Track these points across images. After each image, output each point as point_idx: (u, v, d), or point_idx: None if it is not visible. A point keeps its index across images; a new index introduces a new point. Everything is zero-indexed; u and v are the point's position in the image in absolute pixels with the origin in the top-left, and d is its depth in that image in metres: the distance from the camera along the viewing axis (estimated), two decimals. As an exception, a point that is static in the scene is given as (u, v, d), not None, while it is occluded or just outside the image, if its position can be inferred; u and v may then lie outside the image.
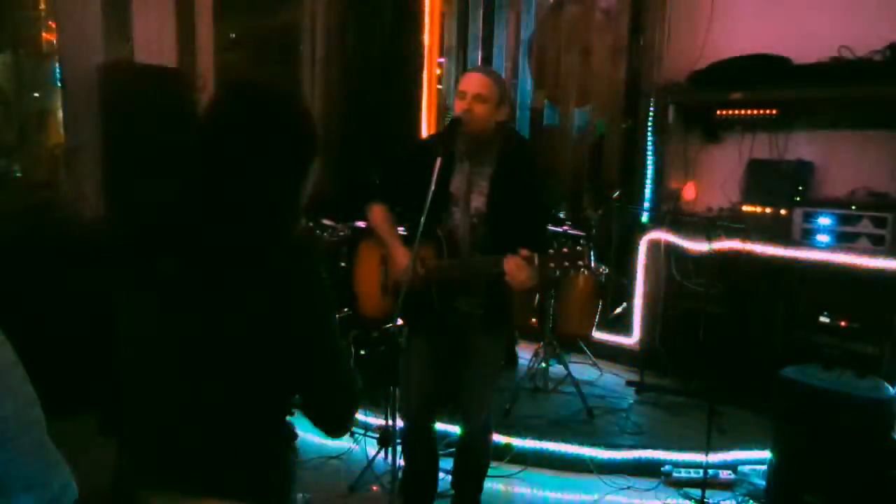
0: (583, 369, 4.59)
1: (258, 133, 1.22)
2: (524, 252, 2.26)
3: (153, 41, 4.39)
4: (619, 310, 5.07)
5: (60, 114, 4.05)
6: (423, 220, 2.28)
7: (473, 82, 2.46)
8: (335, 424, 1.36)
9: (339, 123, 5.62)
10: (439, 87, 6.22)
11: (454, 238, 2.53)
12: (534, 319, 4.89)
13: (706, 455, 3.07)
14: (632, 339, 4.78)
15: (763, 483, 3.18)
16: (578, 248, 2.27)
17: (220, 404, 1.23)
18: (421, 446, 2.79)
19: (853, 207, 3.84)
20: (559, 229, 4.30)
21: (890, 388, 2.82)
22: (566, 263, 2.27)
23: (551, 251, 2.28)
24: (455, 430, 3.14)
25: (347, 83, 5.68)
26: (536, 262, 2.27)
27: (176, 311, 1.24)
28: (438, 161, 2.32)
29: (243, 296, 1.21)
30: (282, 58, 5.52)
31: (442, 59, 6.17)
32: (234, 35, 5.19)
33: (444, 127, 2.52)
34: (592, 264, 2.33)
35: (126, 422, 1.30)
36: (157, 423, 1.27)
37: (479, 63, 5.80)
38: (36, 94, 4.08)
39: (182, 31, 4.59)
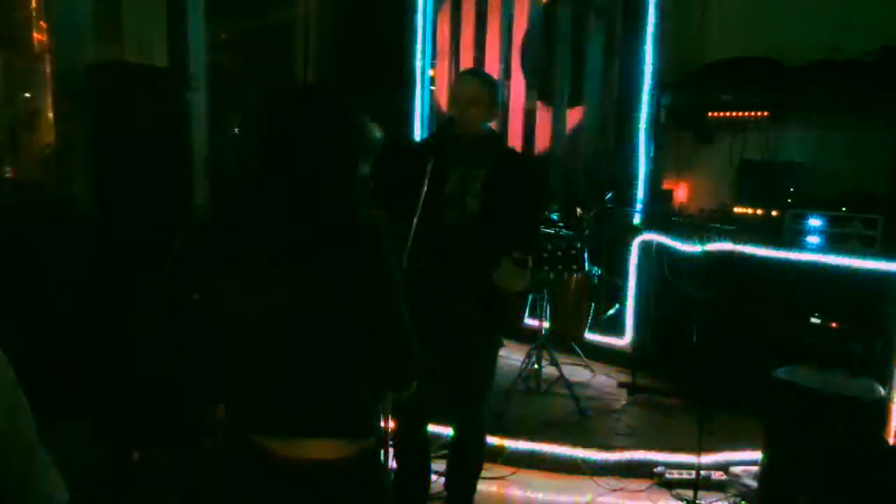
0: (575, 370, 4.59)
1: (322, 128, 1.52)
2: (517, 254, 2.26)
3: (144, 41, 4.37)
4: (611, 311, 5.08)
5: (51, 114, 4.03)
6: (415, 221, 2.28)
7: (467, 85, 2.47)
8: (400, 378, 1.67)
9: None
10: (432, 88, 6.21)
11: (449, 239, 2.53)
12: (526, 320, 4.89)
13: (698, 456, 3.08)
14: (624, 341, 4.79)
15: (755, 484, 3.18)
16: (572, 249, 2.27)
17: (312, 361, 1.46)
18: (414, 448, 2.78)
19: (844, 209, 3.86)
20: (552, 230, 4.30)
21: (881, 388, 2.84)
22: (559, 265, 2.27)
23: (544, 253, 2.28)
24: (448, 431, 3.14)
25: (340, 84, 5.67)
26: (530, 263, 2.27)
27: (270, 285, 1.45)
28: (431, 163, 2.32)
29: (325, 270, 1.43)
30: (274, 58, 5.51)
31: (434, 61, 6.16)
32: (225, 35, 5.17)
33: (438, 129, 2.52)
34: (585, 266, 2.34)
35: (233, 382, 1.53)
36: (260, 379, 1.49)
37: (472, 65, 5.79)
38: (27, 95, 4.06)
39: (173, 32, 4.57)
